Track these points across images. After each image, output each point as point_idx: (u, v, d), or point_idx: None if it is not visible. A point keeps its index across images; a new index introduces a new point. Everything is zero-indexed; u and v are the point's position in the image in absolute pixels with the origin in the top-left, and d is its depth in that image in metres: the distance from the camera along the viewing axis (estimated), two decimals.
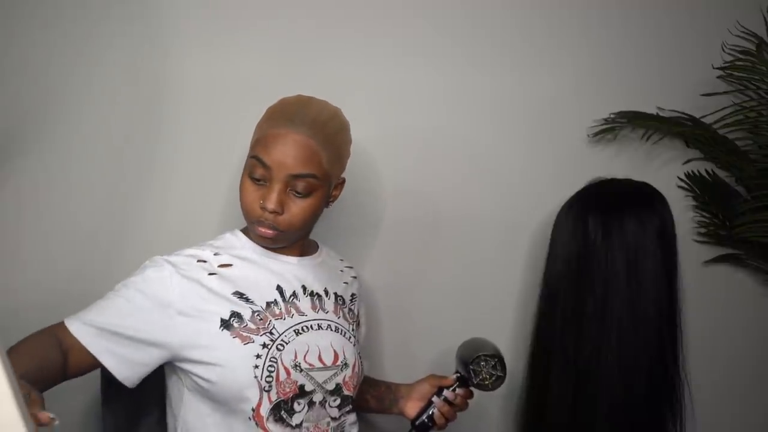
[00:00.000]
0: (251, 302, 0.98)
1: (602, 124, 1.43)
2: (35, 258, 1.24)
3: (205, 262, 1.00)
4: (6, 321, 1.18)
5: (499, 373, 1.03)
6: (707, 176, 1.46)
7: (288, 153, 0.95)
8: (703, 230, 1.47)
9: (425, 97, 1.40)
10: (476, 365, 1.03)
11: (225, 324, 0.95)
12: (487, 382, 1.03)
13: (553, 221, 1.22)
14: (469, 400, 1.09)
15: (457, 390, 1.07)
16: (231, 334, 0.95)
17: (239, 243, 1.05)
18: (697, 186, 1.45)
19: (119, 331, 0.92)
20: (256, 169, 0.97)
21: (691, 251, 1.46)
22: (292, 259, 1.07)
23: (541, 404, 1.17)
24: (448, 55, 1.41)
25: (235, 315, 0.96)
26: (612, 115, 1.42)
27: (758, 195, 1.37)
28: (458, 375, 1.07)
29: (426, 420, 1.06)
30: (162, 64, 1.29)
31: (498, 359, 1.03)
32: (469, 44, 1.41)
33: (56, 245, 1.25)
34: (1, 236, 1.23)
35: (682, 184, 1.47)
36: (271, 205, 0.96)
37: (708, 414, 1.25)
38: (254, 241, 1.05)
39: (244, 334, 0.95)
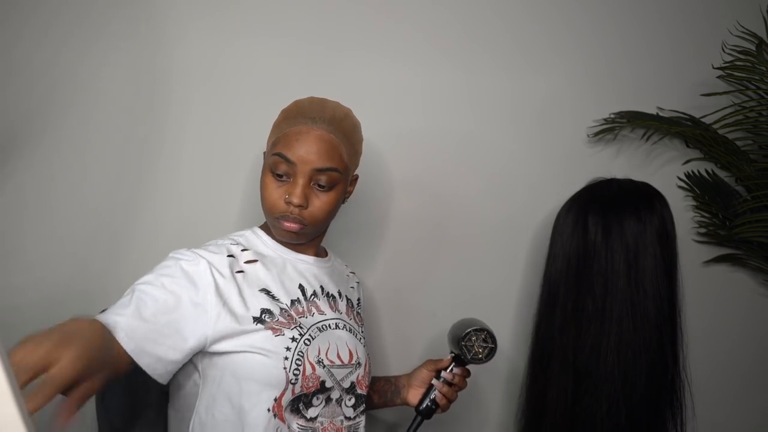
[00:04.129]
0: (277, 300, 0.99)
1: (602, 124, 1.43)
2: (37, 256, 1.25)
3: (233, 257, 0.99)
4: (7, 319, 1.19)
5: (490, 345, 1.06)
6: (707, 176, 1.46)
7: (311, 148, 0.99)
8: (703, 230, 1.47)
9: (426, 98, 1.40)
10: (468, 341, 1.06)
11: (257, 320, 0.96)
12: (480, 356, 1.06)
13: (553, 221, 1.22)
14: (467, 379, 1.13)
15: (454, 369, 1.10)
16: (264, 327, 0.96)
17: (260, 241, 1.06)
18: (697, 186, 1.45)
19: (158, 329, 0.87)
20: (279, 166, 0.99)
21: (691, 251, 1.46)
22: (309, 259, 1.08)
23: (541, 404, 1.17)
24: (448, 56, 1.41)
25: (266, 312, 0.97)
26: (612, 115, 1.42)
27: (758, 195, 1.37)
28: (453, 355, 1.10)
29: (429, 404, 1.09)
30: (165, 65, 1.29)
31: (487, 332, 1.06)
32: (469, 45, 1.41)
33: (57, 244, 1.25)
34: (2, 235, 1.24)
35: (682, 184, 1.47)
36: (296, 199, 0.98)
37: (707, 414, 1.25)
38: (276, 239, 1.06)
39: (276, 327, 0.96)
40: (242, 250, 1.01)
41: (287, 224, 1.00)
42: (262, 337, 0.95)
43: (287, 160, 0.98)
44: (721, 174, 1.47)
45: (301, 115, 1.02)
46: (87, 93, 1.27)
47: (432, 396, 1.09)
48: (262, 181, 1.02)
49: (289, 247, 1.06)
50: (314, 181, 1.00)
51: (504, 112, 1.43)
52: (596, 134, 1.43)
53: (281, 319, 0.97)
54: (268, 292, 0.99)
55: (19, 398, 0.40)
